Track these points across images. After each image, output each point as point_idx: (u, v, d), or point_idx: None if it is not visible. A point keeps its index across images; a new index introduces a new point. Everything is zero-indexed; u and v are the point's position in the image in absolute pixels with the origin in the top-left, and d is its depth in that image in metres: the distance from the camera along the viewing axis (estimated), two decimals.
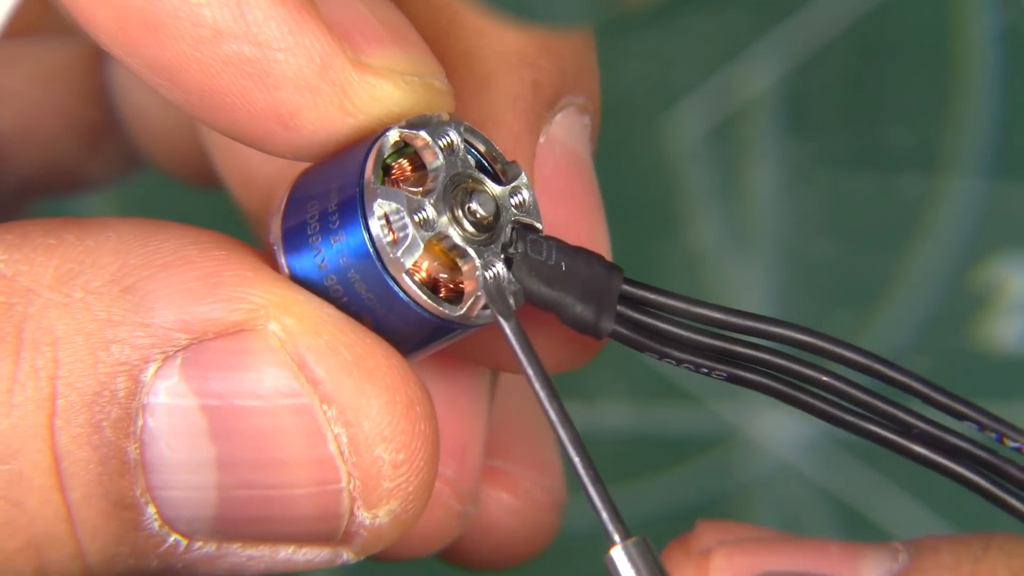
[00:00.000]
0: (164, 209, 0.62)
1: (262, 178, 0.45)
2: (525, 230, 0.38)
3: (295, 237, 0.37)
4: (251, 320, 0.35)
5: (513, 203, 0.38)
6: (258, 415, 0.35)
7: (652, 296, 0.39)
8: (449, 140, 0.37)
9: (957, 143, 0.77)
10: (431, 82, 0.38)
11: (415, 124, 0.37)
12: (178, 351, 0.35)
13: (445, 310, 0.36)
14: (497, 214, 0.38)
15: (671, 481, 0.78)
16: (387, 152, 0.36)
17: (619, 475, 0.75)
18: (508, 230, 0.38)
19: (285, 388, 0.34)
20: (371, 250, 0.36)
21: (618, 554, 0.35)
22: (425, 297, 0.36)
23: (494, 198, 0.38)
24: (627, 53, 0.77)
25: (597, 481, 0.36)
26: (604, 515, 0.35)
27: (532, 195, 0.38)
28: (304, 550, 0.36)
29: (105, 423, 0.34)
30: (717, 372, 0.39)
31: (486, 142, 0.38)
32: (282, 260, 0.37)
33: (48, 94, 0.54)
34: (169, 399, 0.35)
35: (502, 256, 0.37)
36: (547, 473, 0.49)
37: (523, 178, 0.38)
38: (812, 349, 0.40)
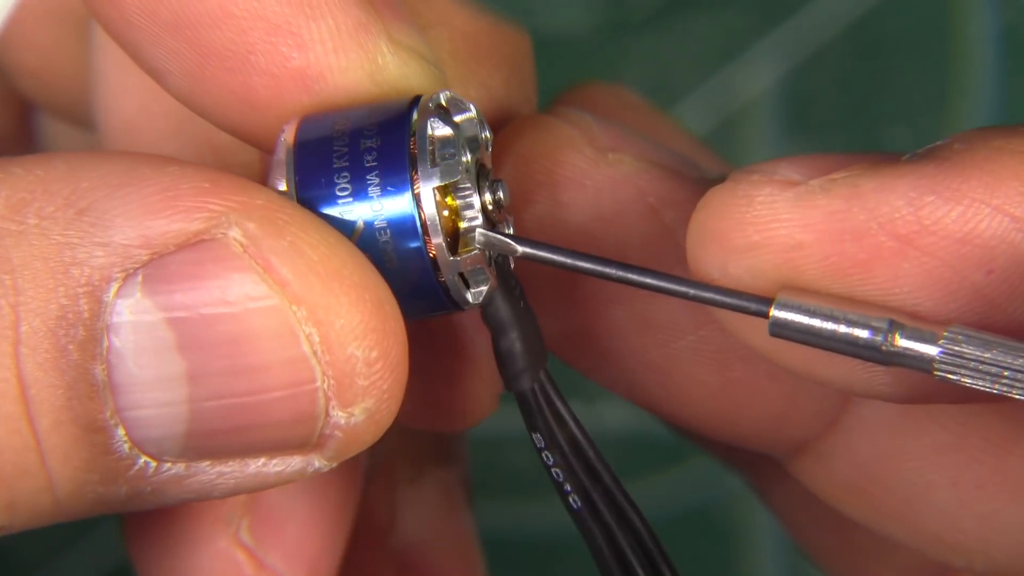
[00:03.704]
0: None
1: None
2: (503, 258, 0.38)
3: (313, 142, 0.36)
4: (211, 228, 0.34)
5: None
6: (227, 322, 0.34)
7: (555, 397, 0.39)
8: (488, 135, 0.37)
9: None
10: (443, 75, 0.38)
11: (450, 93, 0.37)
12: (139, 268, 0.34)
13: (447, 249, 0.36)
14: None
15: (671, 481, 0.78)
16: (434, 104, 0.36)
17: (619, 475, 0.75)
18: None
19: (253, 292, 0.34)
20: (408, 160, 0.35)
21: None
22: (437, 220, 0.35)
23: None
24: (627, 53, 0.77)
25: None
26: None
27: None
28: (276, 460, 0.36)
29: (71, 346, 0.34)
30: (573, 498, 0.39)
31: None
32: (291, 167, 0.36)
33: (18, 116, 0.54)
34: (133, 316, 0.34)
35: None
36: None
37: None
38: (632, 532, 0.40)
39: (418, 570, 0.48)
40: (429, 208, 0.35)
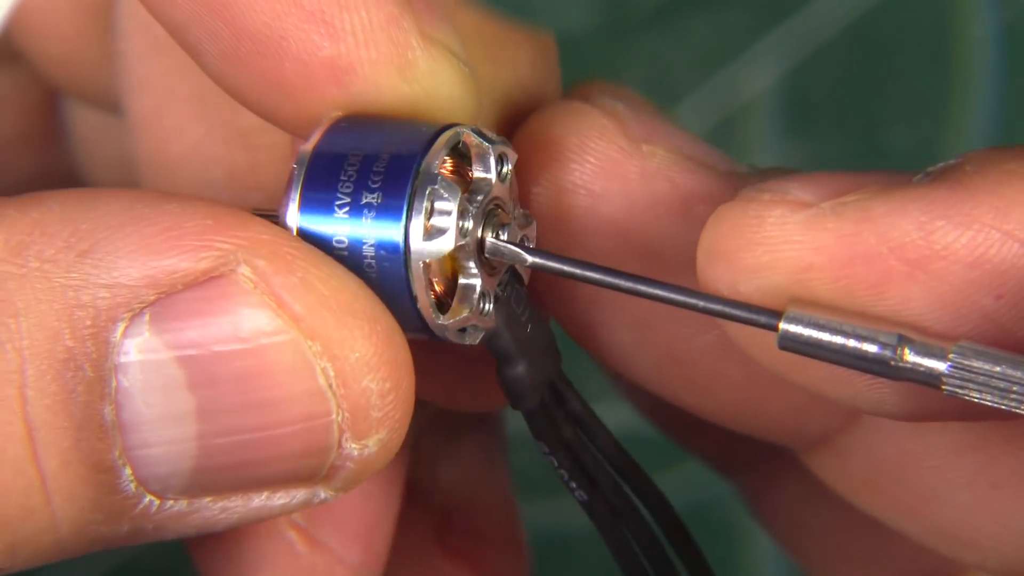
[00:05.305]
0: None
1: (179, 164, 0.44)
2: (515, 279, 0.38)
3: (326, 166, 0.36)
4: (220, 266, 0.34)
5: None
6: (241, 358, 0.34)
7: (571, 396, 0.40)
8: (508, 168, 0.37)
9: (957, 143, 0.77)
10: (474, 77, 0.38)
11: (478, 132, 0.37)
12: (145, 307, 0.34)
13: (433, 316, 0.36)
14: None
15: (671, 481, 0.78)
16: (449, 146, 0.36)
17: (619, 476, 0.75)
18: (503, 272, 0.38)
19: (268, 327, 0.34)
20: (403, 232, 0.35)
21: None
22: (426, 297, 0.36)
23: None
24: (627, 53, 0.77)
25: None
26: None
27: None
28: (280, 494, 0.36)
29: (79, 388, 0.34)
30: (579, 493, 0.40)
31: (513, 183, 0.38)
32: (298, 185, 0.36)
33: (46, 98, 0.54)
34: (141, 356, 0.34)
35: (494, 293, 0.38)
36: (512, 550, 0.49)
37: (534, 228, 0.39)
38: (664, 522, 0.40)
39: (459, 526, 0.49)
40: (418, 280, 0.35)
